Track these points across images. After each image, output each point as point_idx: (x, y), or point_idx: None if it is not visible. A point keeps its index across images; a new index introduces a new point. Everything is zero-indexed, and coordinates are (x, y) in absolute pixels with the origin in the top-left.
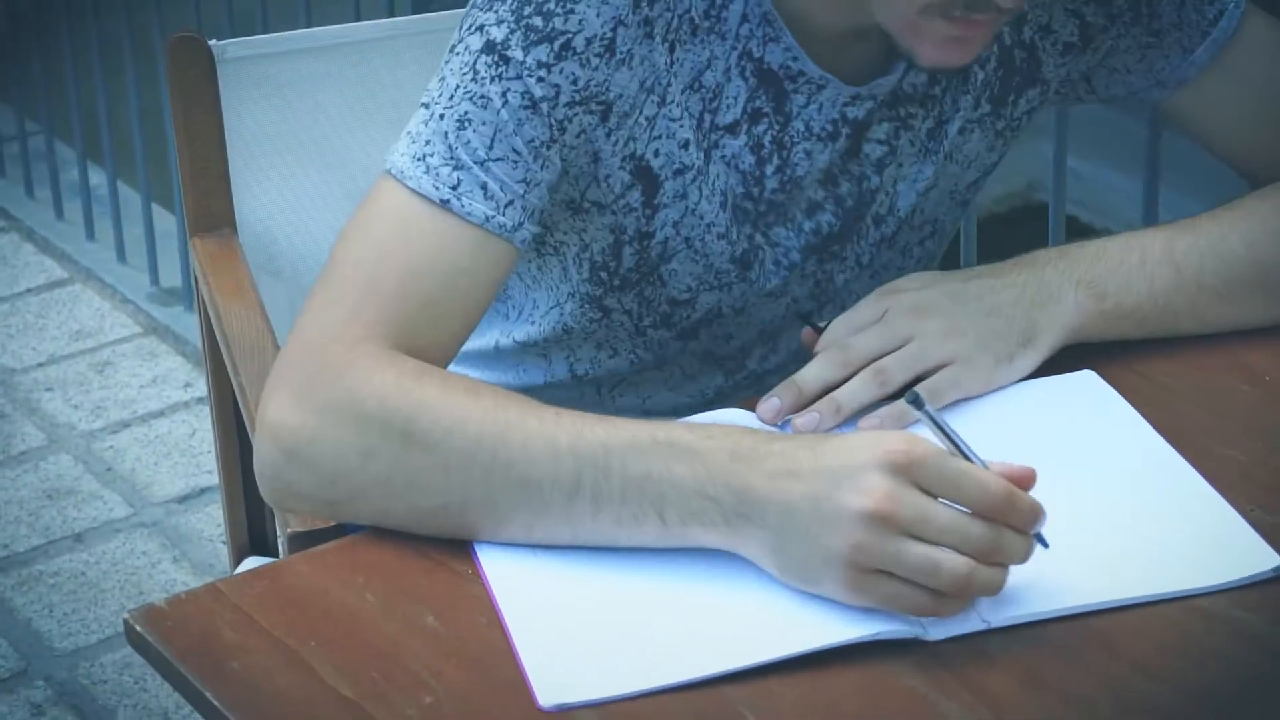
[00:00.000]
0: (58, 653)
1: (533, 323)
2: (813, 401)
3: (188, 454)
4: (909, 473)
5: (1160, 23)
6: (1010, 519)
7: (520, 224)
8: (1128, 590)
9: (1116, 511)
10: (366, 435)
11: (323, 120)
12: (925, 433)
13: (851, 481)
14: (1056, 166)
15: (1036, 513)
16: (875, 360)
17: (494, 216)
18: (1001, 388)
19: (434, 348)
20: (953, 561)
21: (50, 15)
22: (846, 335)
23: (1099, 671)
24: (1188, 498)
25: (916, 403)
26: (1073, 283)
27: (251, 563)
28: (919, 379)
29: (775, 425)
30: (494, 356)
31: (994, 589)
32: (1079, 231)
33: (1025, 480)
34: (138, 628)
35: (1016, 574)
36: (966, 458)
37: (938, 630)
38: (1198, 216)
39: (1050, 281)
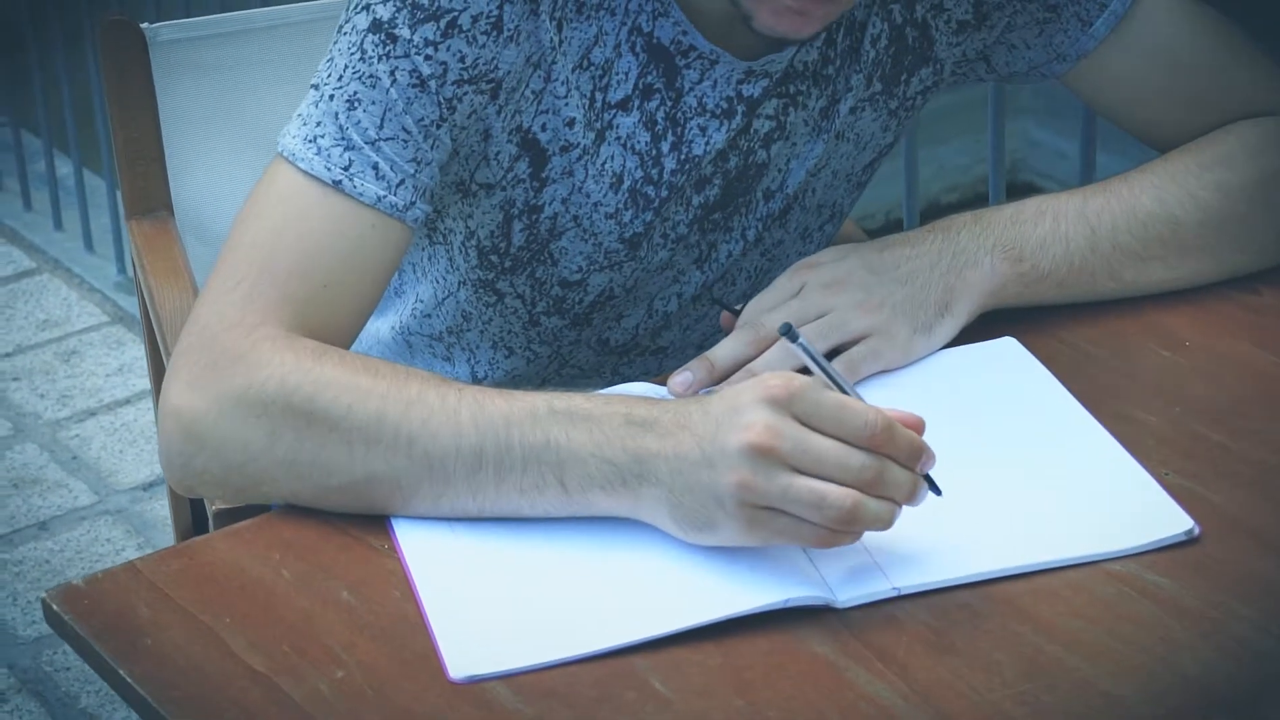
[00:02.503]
0: (21, 640)
1: (428, 315)
2: (726, 377)
3: (153, 441)
4: (788, 406)
5: None
6: (892, 450)
7: (412, 203)
8: (1039, 555)
9: (1031, 477)
10: (269, 418)
11: (256, 101)
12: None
13: (733, 420)
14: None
15: (919, 448)
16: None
17: (386, 196)
18: (922, 358)
19: (332, 329)
20: (838, 493)
21: (12, 7)
22: (762, 313)
23: (1007, 636)
24: (1102, 463)
25: (790, 335)
26: (988, 247)
27: None
28: (838, 351)
29: (683, 394)
30: (401, 353)
31: (883, 522)
32: None
33: (913, 424)
34: (54, 607)
35: (926, 540)
36: (843, 390)
37: (846, 597)
38: (1111, 178)
39: (966, 247)
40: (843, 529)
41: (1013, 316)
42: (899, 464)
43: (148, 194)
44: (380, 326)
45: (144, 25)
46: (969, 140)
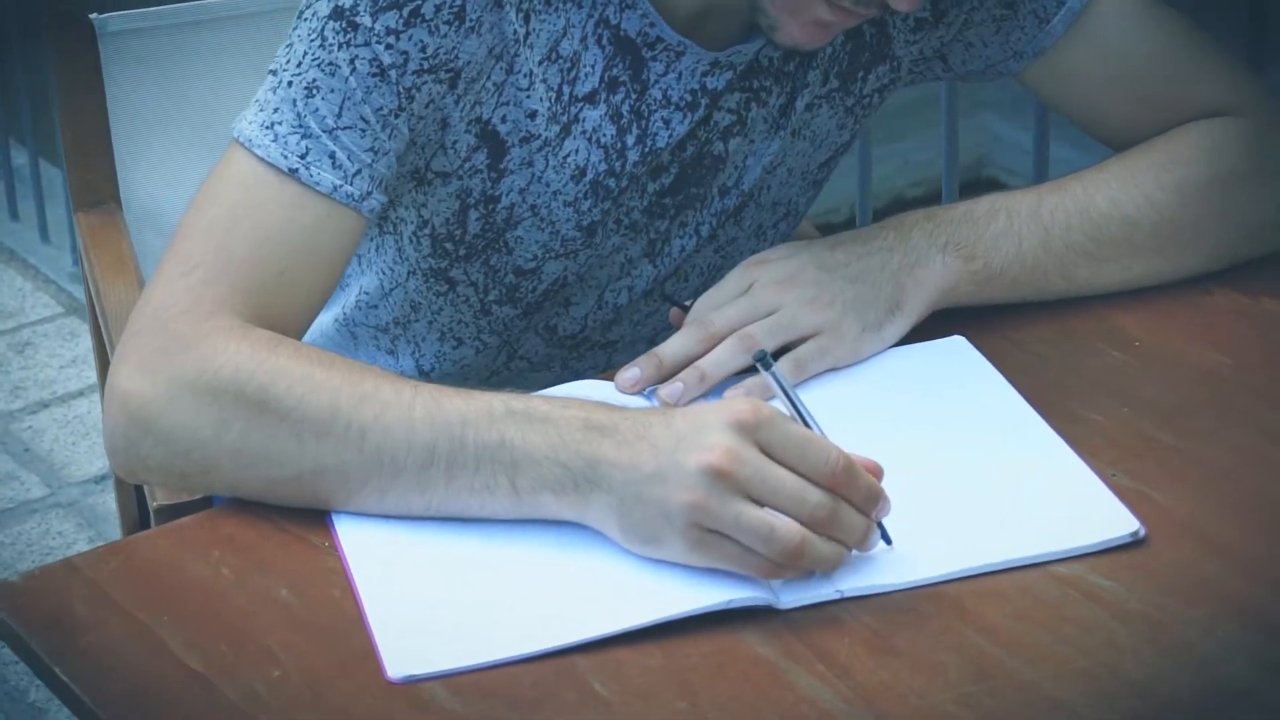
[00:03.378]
0: None
1: (374, 306)
2: (675, 374)
3: None
4: (753, 433)
5: None
6: (849, 493)
7: (368, 193)
8: (984, 558)
9: (977, 478)
10: (220, 406)
11: (206, 93)
12: (779, 406)
13: (695, 440)
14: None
15: (877, 493)
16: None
17: (342, 185)
18: (871, 356)
19: (286, 317)
20: (787, 528)
21: None
22: (711, 310)
23: (951, 639)
24: (1050, 464)
25: (764, 362)
26: (940, 245)
27: None
28: (787, 348)
29: (637, 396)
30: (345, 344)
31: (828, 564)
32: None
33: (872, 469)
34: None
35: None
36: (809, 426)
37: (790, 599)
38: (1065, 177)
39: (918, 245)
40: (788, 564)
41: (963, 315)
42: (854, 507)
43: (96, 186)
44: (324, 318)
45: (92, 16)
46: (933, 135)
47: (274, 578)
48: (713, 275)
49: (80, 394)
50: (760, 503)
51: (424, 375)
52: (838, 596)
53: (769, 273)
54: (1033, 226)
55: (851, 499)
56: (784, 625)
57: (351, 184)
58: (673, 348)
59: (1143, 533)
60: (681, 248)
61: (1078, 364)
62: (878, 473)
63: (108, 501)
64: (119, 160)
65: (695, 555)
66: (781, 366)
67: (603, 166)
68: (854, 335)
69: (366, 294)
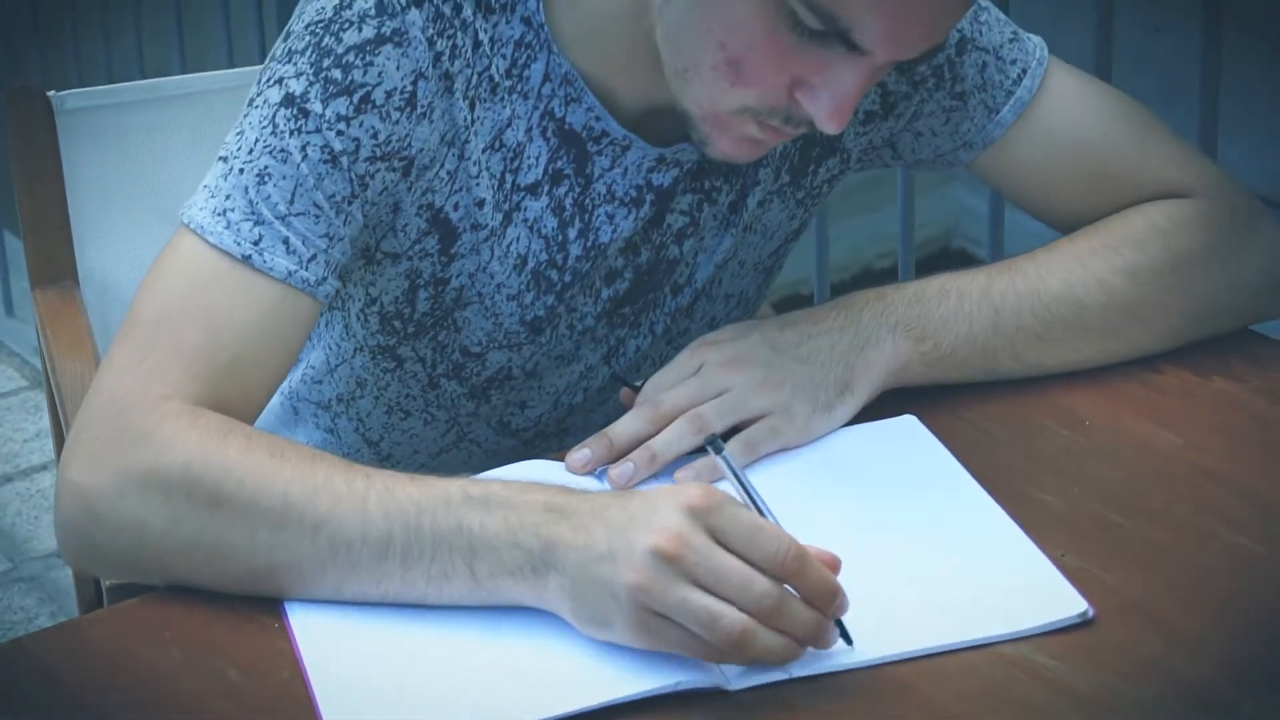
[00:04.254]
0: None
1: (319, 381)
2: (625, 454)
3: None
4: (703, 518)
5: (963, 85)
6: (800, 584)
7: (324, 278)
8: (934, 639)
9: (927, 558)
10: (171, 502)
11: (164, 170)
12: (730, 490)
13: (645, 521)
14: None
15: (830, 588)
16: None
17: (297, 271)
18: (821, 436)
19: (241, 402)
20: (731, 617)
21: None
22: (661, 390)
23: (896, 718)
24: (999, 544)
25: (715, 445)
26: (890, 325)
27: None
28: (737, 429)
29: (588, 476)
30: (286, 419)
31: (776, 657)
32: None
33: (829, 563)
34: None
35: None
36: (761, 513)
37: (740, 681)
38: (1018, 258)
39: (868, 325)
40: (732, 653)
41: (915, 393)
42: (806, 599)
43: (53, 262)
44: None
45: (50, 93)
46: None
47: (223, 660)
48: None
49: (44, 468)
50: (707, 589)
51: (372, 446)
52: (786, 677)
53: (719, 353)
54: (983, 308)
55: (802, 590)
56: (734, 708)
57: (307, 269)
58: (623, 428)
59: (1091, 613)
60: (637, 348)
61: (1028, 443)
62: (835, 566)
63: (70, 576)
64: (77, 237)
65: (641, 638)
66: (732, 447)
67: (544, 257)
68: (805, 416)
69: (312, 368)
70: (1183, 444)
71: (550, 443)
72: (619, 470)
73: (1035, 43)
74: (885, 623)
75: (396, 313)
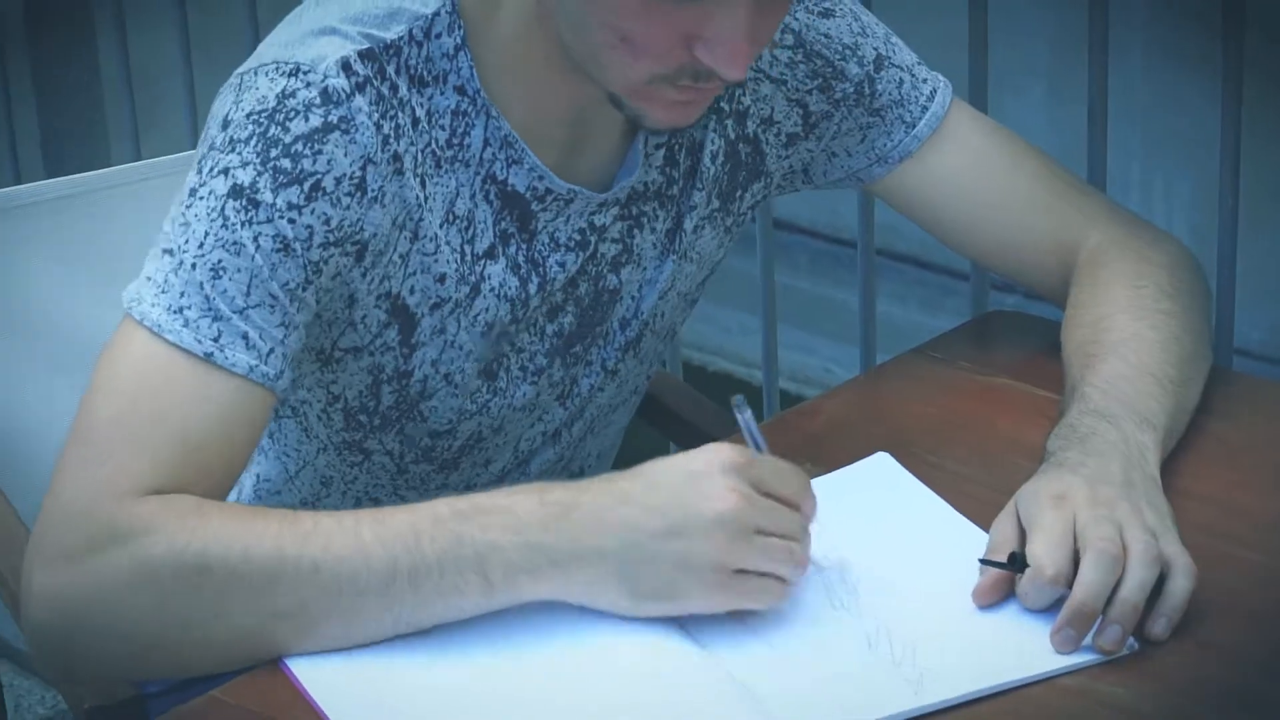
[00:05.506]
0: None
1: (277, 492)
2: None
3: None
4: (746, 473)
5: (881, 100)
6: (809, 508)
7: (281, 372)
8: (996, 677)
9: (958, 600)
10: (158, 584)
11: (22, 287)
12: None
13: (698, 490)
14: None
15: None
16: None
17: (258, 366)
18: None
19: (205, 495)
20: (797, 546)
21: None
22: (1058, 564)
23: None
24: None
25: (738, 406)
26: (1134, 425)
27: None
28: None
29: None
30: None
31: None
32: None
33: None
34: None
35: (879, 672)
36: None
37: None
38: (1099, 339)
39: (1126, 436)
40: (796, 576)
41: (875, 439)
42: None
43: None
44: None
45: None
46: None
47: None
48: (608, 410)
49: None
50: (766, 533)
51: None
52: None
53: (1078, 502)
54: (1148, 384)
55: (808, 512)
56: None
57: (266, 363)
58: (1094, 591)
59: (1135, 645)
60: (590, 385)
61: (1003, 482)
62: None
63: None
64: None
65: (719, 598)
66: (1182, 574)
67: (508, 317)
68: (1165, 526)
69: (268, 480)
70: (1164, 469)
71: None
72: (1111, 640)
73: (937, 73)
74: (946, 665)
75: (361, 407)
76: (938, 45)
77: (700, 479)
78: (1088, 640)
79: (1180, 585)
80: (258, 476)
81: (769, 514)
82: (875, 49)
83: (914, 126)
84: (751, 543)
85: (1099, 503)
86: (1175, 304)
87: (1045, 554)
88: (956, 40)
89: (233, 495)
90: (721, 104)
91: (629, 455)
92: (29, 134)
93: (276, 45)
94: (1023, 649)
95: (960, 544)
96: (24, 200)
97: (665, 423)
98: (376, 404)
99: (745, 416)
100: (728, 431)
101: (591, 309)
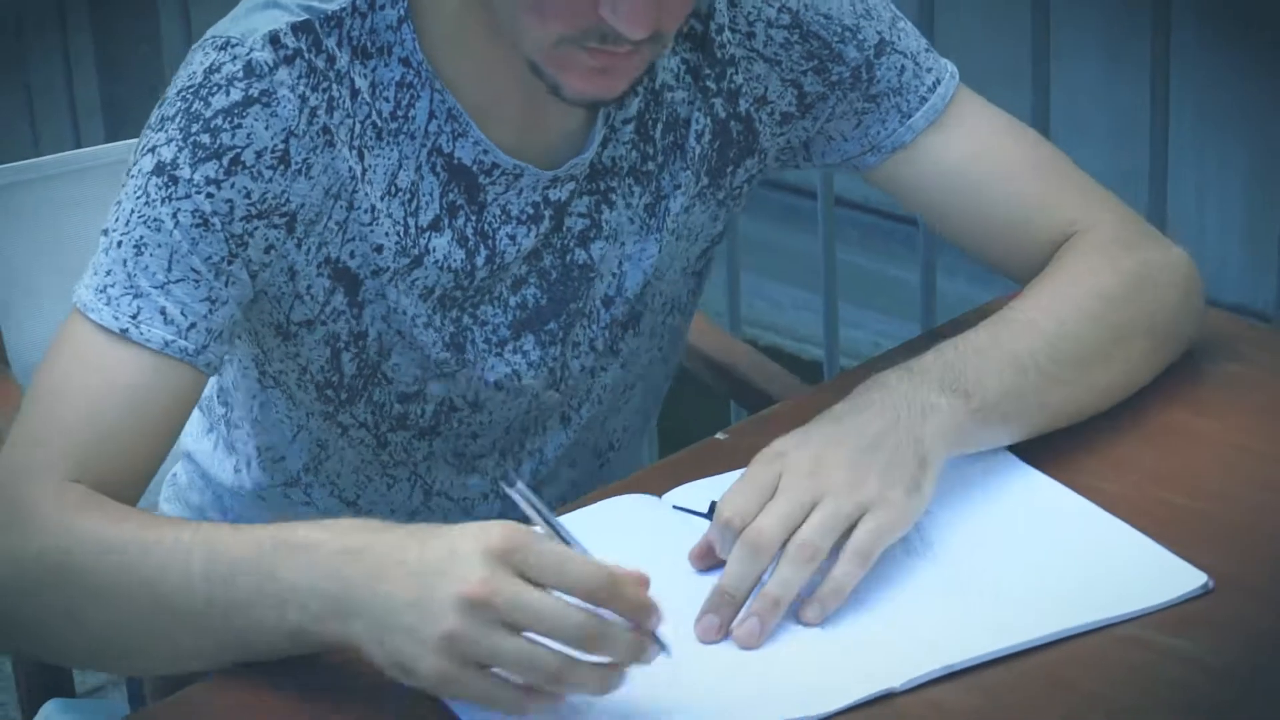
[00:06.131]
0: None
1: (280, 459)
2: (744, 601)
3: None
4: (509, 559)
5: (879, 87)
6: (615, 606)
7: (204, 346)
8: (1057, 624)
9: (1026, 551)
10: (28, 572)
11: (86, 243)
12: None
13: (451, 568)
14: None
15: (645, 606)
16: (787, 536)
17: (174, 341)
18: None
19: (120, 478)
20: (546, 655)
21: None
22: (742, 513)
23: (1058, 709)
24: (1091, 527)
25: (508, 480)
26: (936, 390)
27: (52, 706)
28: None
29: (717, 640)
30: (259, 515)
31: (600, 687)
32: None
33: (637, 579)
34: None
35: (954, 617)
36: (566, 542)
37: (901, 682)
38: (1001, 311)
39: (915, 396)
40: (551, 689)
41: None
42: (625, 621)
43: None
44: (231, 482)
45: None
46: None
47: None
48: (621, 389)
49: None
50: (521, 630)
51: (350, 505)
52: (946, 670)
53: (791, 464)
54: (1003, 360)
55: (618, 611)
56: (889, 710)
57: (185, 338)
58: (735, 578)
59: (1211, 584)
60: (581, 367)
61: (1074, 437)
62: (644, 583)
63: None
64: (6, 319)
65: (447, 688)
66: (848, 562)
67: (451, 284)
68: (899, 502)
69: (269, 449)
70: (1220, 427)
71: (511, 462)
72: (745, 630)
73: (947, 61)
74: (1006, 613)
75: (326, 381)
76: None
77: (457, 558)
78: (1156, 588)
79: (841, 573)
80: (258, 447)
81: (520, 608)
82: (878, 33)
83: (910, 117)
84: (483, 638)
85: (809, 471)
86: (1107, 308)
87: (728, 500)
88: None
89: (240, 466)
90: (709, 84)
91: (687, 422)
92: (90, 103)
93: (225, 20)
94: (1092, 593)
95: (1029, 493)
96: (84, 164)
97: (727, 386)
98: (340, 376)
99: (521, 493)
100: (792, 394)
101: (560, 284)
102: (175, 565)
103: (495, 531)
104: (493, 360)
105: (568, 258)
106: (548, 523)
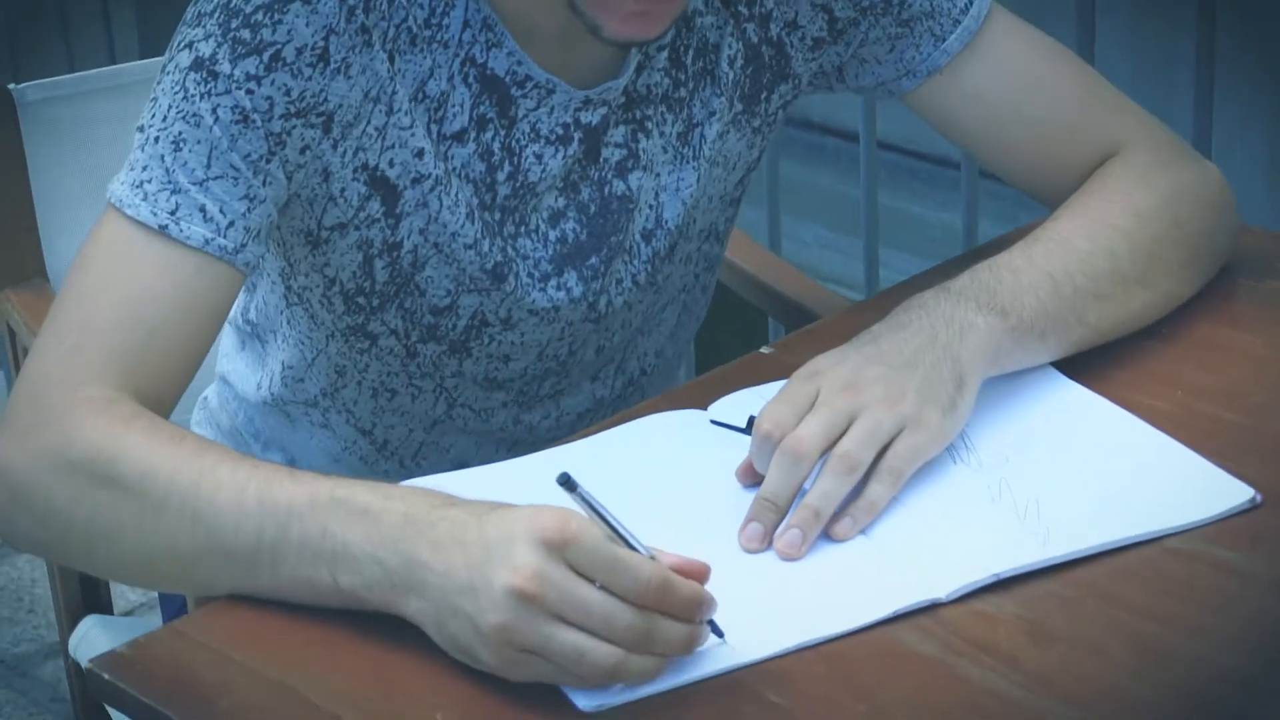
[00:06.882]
0: None
1: (300, 380)
2: (787, 509)
3: None
4: (560, 551)
5: (911, 11)
6: (667, 608)
7: (243, 245)
8: (1108, 535)
9: (1076, 465)
10: (73, 481)
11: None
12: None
13: (503, 557)
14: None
15: (698, 603)
16: (827, 447)
17: (214, 239)
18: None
19: (160, 379)
20: (598, 652)
21: None
22: (781, 425)
23: (1104, 620)
24: (1139, 441)
25: (568, 485)
26: (974, 308)
27: (91, 622)
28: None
29: (761, 549)
30: (281, 424)
31: (649, 675)
32: None
33: (696, 573)
34: (106, 675)
35: (995, 529)
36: (626, 543)
37: (946, 593)
38: (1035, 231)
39: (952, 315)
40: (603, 683)
41: None
42: (675, 617)
43: (23, 262)
44: (254, 398)
45: (11, 86)
46: None
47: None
48: (656, 310)
49: None
50: (571, 624)
51: (366, 435)
52: (993, 579)
53: (831, 380)
54: (1038, 277)
55: (670, 612)
56: (935, 622)
57: (225, 236)
58: (776, 486)
59: (1259, 498)
60: (624, 302)
61: (1118, 354)
62: (701, 575)
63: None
64: (43, 232)
65: (509, 672)
66: (881, 481)
67: (475, 200)
68: (936, 421)
69: (290, 368)
70: (1261, 342)
71: (543, 386)
72: (787, 541)
73: None
74: (1069, 519)
75: (357, 289)
76: None
77: (511, 544)
78: (1207, 501)
79: (874, 491)
80: (282, 364)
81: (571, 604)
82: None
83: (943, 40)
84: (535, 628)
85: (847, 386)
86: (1140, 224)
87: (766, 414)
88: None
89: (263, 386)
90: (740, 8)
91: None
92: (125, 19)
93: None
94: (1139, 506)
95: (1075, 406)
96: (119, 80)
97: (770, 302)
98: (371, 283)
99: (579, 495)
100: (830, 311)
101: (600, 217)
102: (227, 496)
103: (550, 522)
104: (535, 295)
105: (606, 190)
106: (607, 523)
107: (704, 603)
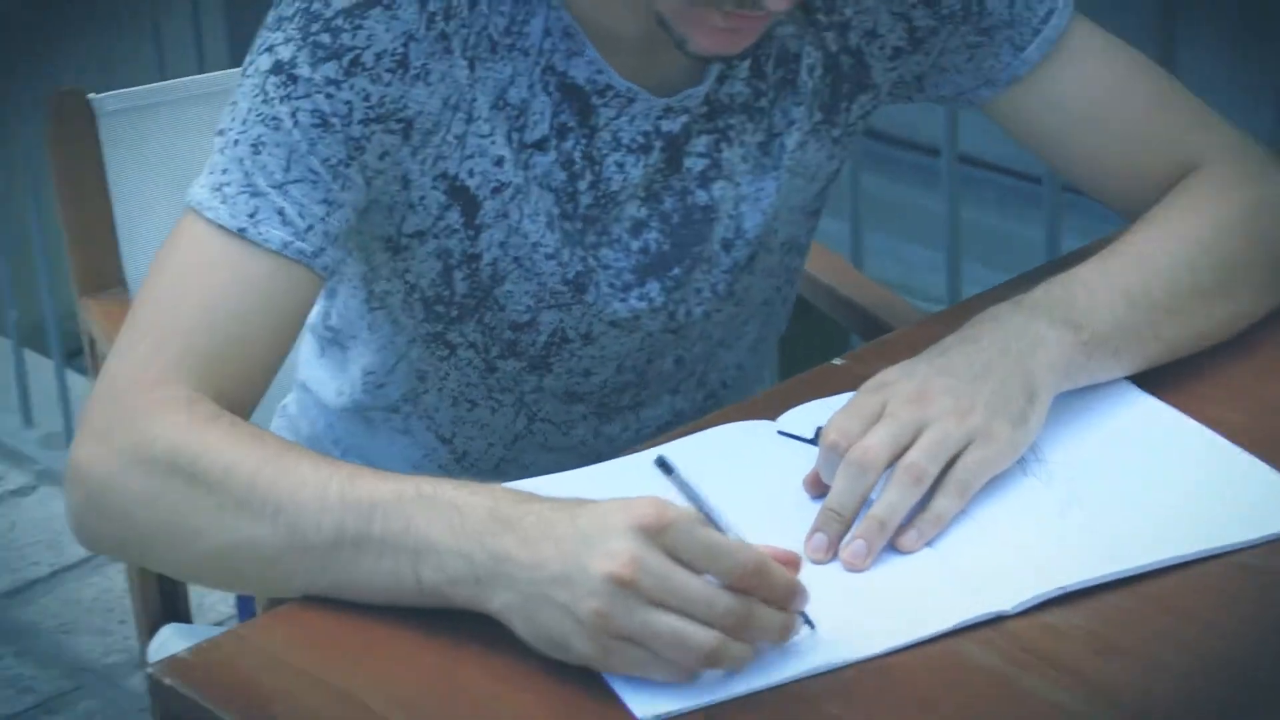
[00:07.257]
0: None
1: (381, 385)
2: (853, 520)
3: (9, 547)
4: (659, 538)
5: (990, 20)
6: (763, 593)
7: (321, 249)
8: (1172, 550)
9: (1147, 477)
10: (156, 479)
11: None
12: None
13: (599, 546)
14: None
15: (793, 590)
16: (893, 458)
17: (292, 242)
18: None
19: (240, 380)
20: (699, 636)
21: None
22: (847, 436)
23: (1168, 634)
24: (1210, 453)
25: (665, 468)
26: (1046, 321)
27: (169, 631)
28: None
29: (826, 560)
30: (361, 430)
31: (744, 663)
32: None
33: (790, 561)
34: (166, 680)
35: (1067, 540)
36: (719, 529)
37: (1013, 605)
38: (1110, 246)
39: (1024, 328)
40: (703, 668)
41: None
42: (772, 604)
43: (101, 270)
44: (335, 404)
45: (90, 96)
46: None
47: (480, 624)
48: (738, 324)
49: None
50: (669, 609)
51: (446, 444)
52: (1059, 593)
53: (897, 392)
54: (1112, 294)
55: (765, 597)
56: (998, 634)
57: (304, 240)
58: (843, 497)
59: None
60: (704, 313)
61: (1189, 364)
62: (795, 564)
63: (25, 614)
64: (122, 242)
65: (604, 663)
66: (948, 494)
67: (556, 210)
68: (1005, 435)
69: (371, 373)
70: None
71: (622, 398)
72: (851, 552)
73: None
74: (1122, 537)
75: (436, 297)
76: None
77: (607, 533)
78: (1276, 516)
79: (941, 504)
80: (363, 369)
81: (669, 590)
82: None
83: (1023, 50)
84: (633, 614)
85: (915, 397)
86: (1219, 238)
87: (833, 425)
88: None
89: (344, 393)
90: (819, 16)
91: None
92: (215, 29)
93: None
94: (1210, 520)
95: (1147, 418)
96: (208, 88)
97: (850, 318)
98: (451, 293)
99: (675, 478)
100: (906, 323)
101: (683, 227)
102: (310, 493)
103: (645, 509)
104: (615, 305)
105: (688, 200)
106: (702, 508)
107: (800, 591)
